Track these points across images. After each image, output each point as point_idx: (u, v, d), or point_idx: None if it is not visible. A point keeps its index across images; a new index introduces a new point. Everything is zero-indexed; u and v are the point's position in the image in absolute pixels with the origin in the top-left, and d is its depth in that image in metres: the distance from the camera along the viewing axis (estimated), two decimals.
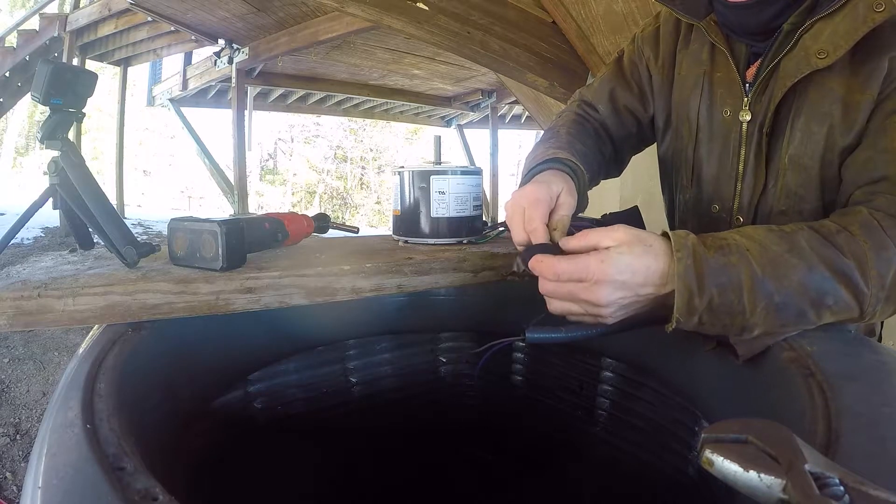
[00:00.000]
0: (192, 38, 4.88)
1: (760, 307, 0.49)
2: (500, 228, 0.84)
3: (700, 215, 0.77)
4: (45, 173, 0.57)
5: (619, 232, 0.51)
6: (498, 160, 6.82)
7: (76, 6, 5.52)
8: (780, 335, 0.52)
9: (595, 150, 0.80)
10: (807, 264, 0.50)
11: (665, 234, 0.51)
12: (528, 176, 0.69)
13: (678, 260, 0.49)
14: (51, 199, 0.58)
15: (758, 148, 0.67)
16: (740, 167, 0.70)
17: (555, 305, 0.54)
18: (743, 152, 0.69)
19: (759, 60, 0.67)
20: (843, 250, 0.51)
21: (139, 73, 7.37)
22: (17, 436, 2.03)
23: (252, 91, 5.53)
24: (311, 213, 0.78)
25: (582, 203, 0.71)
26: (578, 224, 0.71)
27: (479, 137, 8.15)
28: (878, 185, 0.57)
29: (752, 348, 0.53)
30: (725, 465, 0.30)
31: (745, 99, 0.68)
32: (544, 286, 0.54)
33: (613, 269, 0.49)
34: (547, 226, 0.58)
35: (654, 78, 0.81)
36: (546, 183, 0.61)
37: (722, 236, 0.52)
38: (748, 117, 0.68)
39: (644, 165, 0.94)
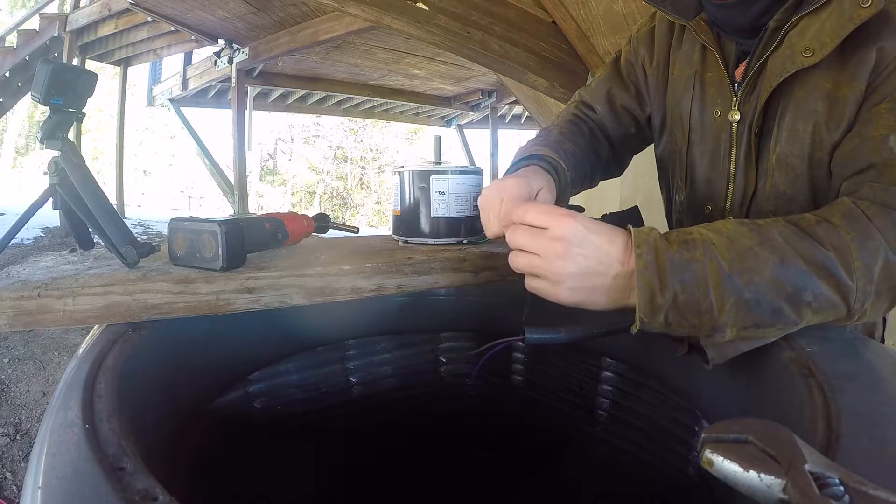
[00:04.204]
0: (192, 38, 4.88)
1: (729, 304, 0.46)
2: None
3: (694, 216, 0.77)
4: (45, 173, 0.57)
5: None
6: (498, 160, 6.81)
7: (76, 6, 5.52)
8: (757, 339, 0.48)
9: (589, 150, 0.80)
10: (779, 257, 0.46)
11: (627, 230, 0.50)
12: (510, 171, 0.69)
13: (637, 256, 0.47)
14: (51, 199, 0.58)
15: (747, 148, 0.66)
16: (731, 168, 0.69)
17: (520, 260, 0.52)
18: (733, 153, 0.69)
19: (747, 60, 0.66)
20: (822, 241, 0.47)
21: (139, 73, 7.39)
22: (17, 436, 2.03)
23: (252, 91, 5.53)
24: (311, 213, 0.78)
25: (563, 201, 0.70)
26: None
27: (479, 137, 8.16)
28: (864, 175, 0.55)
29: (723, 353, 0.49)
30: (725, 465, 0.30)
31: (735, 99, 0.67)
32: (513, 236, 0.52)
33: (575, 226, 0.48)
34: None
35: (649, 78, 0.81)
36: (527, 178, 0.61)
37: (688, 230, 0.49)
38: (738, 117, 0.67)
39: (644, 165, 0.94)
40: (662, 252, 0.47)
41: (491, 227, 0.59)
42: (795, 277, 0.46)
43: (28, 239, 5.25)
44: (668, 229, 0.86)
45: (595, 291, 0.49)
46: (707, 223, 0.51)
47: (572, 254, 0.48)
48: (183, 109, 6.73)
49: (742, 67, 0.68)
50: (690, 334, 0.49)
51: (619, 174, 0.90)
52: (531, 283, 0.52)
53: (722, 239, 0.48)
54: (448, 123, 7.86)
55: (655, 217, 0.90)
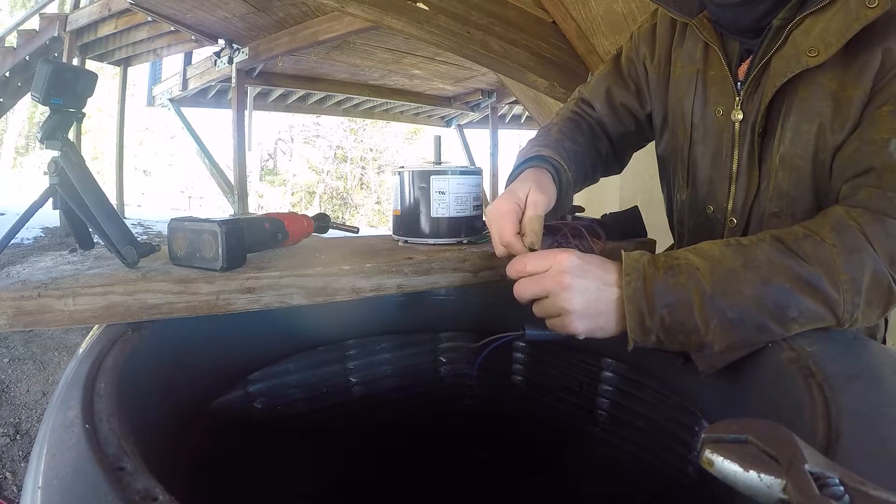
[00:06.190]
0: (192, 38, 4.87)
1: (713, 324, 0.49)
2: None
3: (696, 216, 0.76)
4: (45, 173, 0.56)
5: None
6: (498, 160, 6.81)
7: (76, 6, 5.52)
8: (745, 350, 0.52)
9: (589, 147, 0.80)
10: (761, 278, 0.49)
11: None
12: (511, 176, 0.70)
13: (627, 283, 0.50)
14: (51, 199, 0.58)
15: (750, 148, 0.66)
16: (733, 168, 0.69)
17: (535, 309, 0.56)
18: (736, 153, 0.68)
19: (750, 58, 0.66)
20: (807, 257, 0.49)
21: (139, 73, 7.37)
22: (17, 436, 2.03)
23: (252, 91, 5.53)
24: (311, 213, 0.77)
25: (566, 200, 0.71)
26: (579, 224, 0.71)
27: (479, 137, 8.15)
28: (862, 178, 0.55)
29: (712, 364, 0.53)
30: (725, 465, 0.30)
31: (737, 98, 0.66)
32: (518, 289, 0.56)
33: (572, 259, 0.52)
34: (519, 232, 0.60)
35: (650, 76, 0.80)
36: (511, 192, 0.63)
37: (675, 255, 0.52)
38: (740, 117, 0.66)
39: (644, 165, 0.94)
40: (650, 278, 0.50)
41: (496, 250, 0.63)
42: (778, 295, 0.49)
43: (28, 239, 5.25)
44: (669, 228, 0.87)
45: (601, 316, 0.52)
46: (695, 246, 0.54)
47: (575, 284, 0.51)
48: (183, 109, 6.72)
49: (745, 66, 0.67)
50: (680, 349, 0.53)
51: (620, 171, 0.90)
52: (549, 324, 0.55)
53: (706, 263, 0.51)
54: (448, 123, 7.85)
55: (656, 217, 0.90)
